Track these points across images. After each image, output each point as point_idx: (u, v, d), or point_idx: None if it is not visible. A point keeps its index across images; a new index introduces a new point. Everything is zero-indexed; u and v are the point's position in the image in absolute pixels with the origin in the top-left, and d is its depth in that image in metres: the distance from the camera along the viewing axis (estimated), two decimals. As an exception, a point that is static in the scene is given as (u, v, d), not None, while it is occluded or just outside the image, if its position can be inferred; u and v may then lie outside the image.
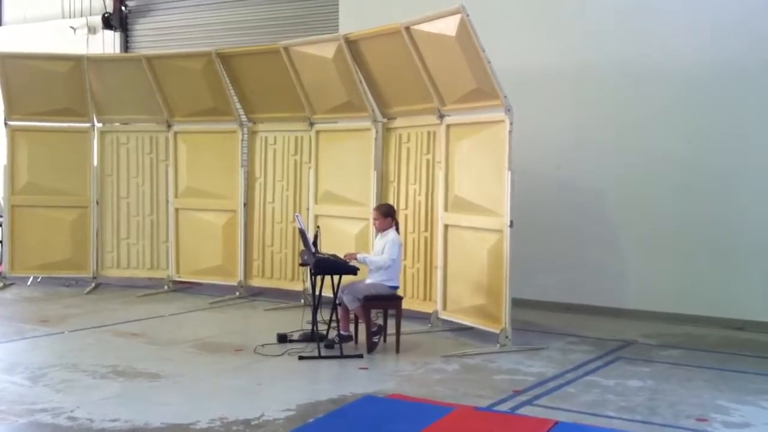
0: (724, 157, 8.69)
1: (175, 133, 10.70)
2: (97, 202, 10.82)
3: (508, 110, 7.33)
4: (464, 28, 7.25)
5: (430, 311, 8.38)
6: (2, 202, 10.80)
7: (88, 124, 10.85)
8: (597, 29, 9.31)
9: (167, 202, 10.72)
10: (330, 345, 7.20)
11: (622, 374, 6.62)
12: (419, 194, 8.68)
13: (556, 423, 5.22)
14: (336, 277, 7.14)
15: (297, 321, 7.82)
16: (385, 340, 7.42)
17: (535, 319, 8.75)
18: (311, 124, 9.72)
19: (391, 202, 8.60)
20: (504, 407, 5.66)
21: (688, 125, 8.85)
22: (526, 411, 5.58)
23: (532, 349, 7.40)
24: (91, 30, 13.56)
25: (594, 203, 9.36)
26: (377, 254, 7.43)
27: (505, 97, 7.32)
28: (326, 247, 7.76)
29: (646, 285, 9.07)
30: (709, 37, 8.73)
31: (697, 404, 5.81)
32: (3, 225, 10.81)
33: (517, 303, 7.59)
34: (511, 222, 7.33)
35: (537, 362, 6.95)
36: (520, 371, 6.65)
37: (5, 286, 10.67)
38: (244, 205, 10.21)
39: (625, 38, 9.14)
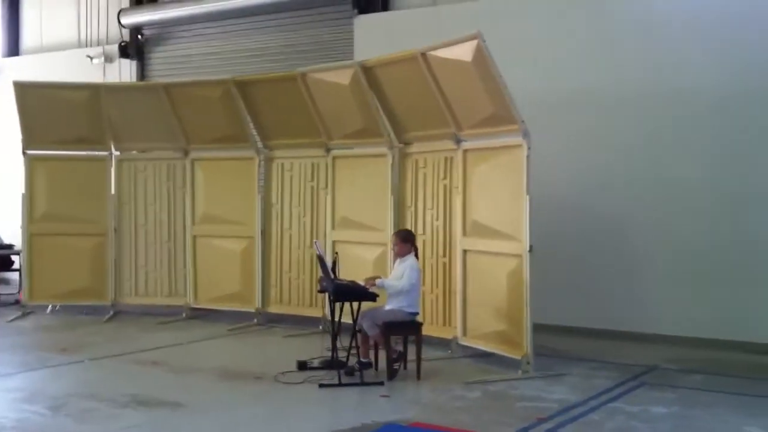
0: (745, 181, 8.63)
1: (193, 161, 10.74)
2: (115, 230, 10.85)
3: (526, 135, 7.32)
4: (481, 53, 7.26)
5: (450, 337, 8.33)
6: (21, 231, 10.84)
7: (105, 153, 10.91)
8: (614, 53, 9.30)
9: (185, 229, 10.74)
10: (350, 372, 7.16)
11: (646, 400, 6.55)
12: (437, 219, 8.66)
13: (582, 451, 5.17)
14: (355, 304, 7.13)
15: (316, 348, 7.79)
16: (405, 367, 7.37)
17: (556, 344, 8.65)
18: (328, 150, 9.74)
19: (408, 227, 8.57)
20: (528, 435, 5.61)
21: (709, 149, 8.80)
22: (550, 439, 5.53)
23: (554, 375, 7.34)
24: (108, 59, 13.66)
25: (614, 227, 9.29)
26: (396, 279, 7.41)
27: (523, 121, 7.31)
28: (344, 273, 7.72)
29: (668, 309, 8.97)
30: (728, 61, 8.69)
31: (724, 430, 5.74)
32: (21, 253, 10.83)
33: (537, 328, 7.52)
34: (531, 247, 7.29)
35: (559, 389, 6.89)
36: (542, 398, 6.58)
37: (24, 315, 10.68)
38: (262, 231, 10.21)
39: (642, 62, 9.11)
